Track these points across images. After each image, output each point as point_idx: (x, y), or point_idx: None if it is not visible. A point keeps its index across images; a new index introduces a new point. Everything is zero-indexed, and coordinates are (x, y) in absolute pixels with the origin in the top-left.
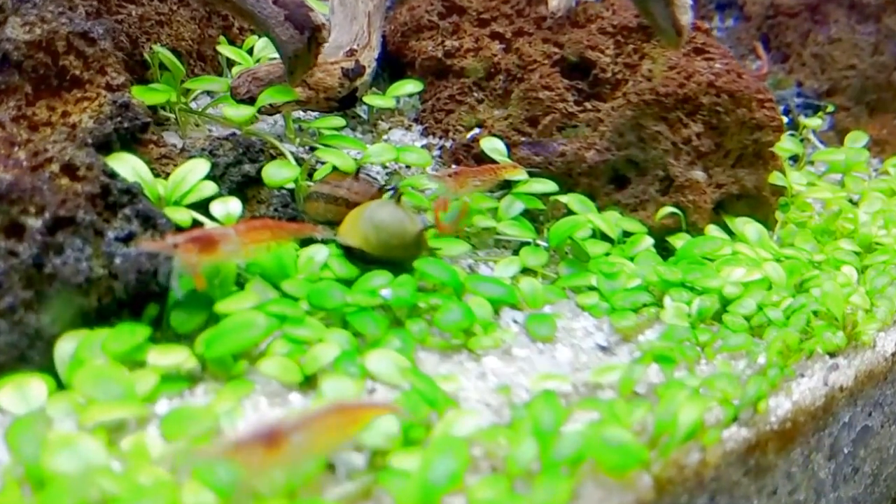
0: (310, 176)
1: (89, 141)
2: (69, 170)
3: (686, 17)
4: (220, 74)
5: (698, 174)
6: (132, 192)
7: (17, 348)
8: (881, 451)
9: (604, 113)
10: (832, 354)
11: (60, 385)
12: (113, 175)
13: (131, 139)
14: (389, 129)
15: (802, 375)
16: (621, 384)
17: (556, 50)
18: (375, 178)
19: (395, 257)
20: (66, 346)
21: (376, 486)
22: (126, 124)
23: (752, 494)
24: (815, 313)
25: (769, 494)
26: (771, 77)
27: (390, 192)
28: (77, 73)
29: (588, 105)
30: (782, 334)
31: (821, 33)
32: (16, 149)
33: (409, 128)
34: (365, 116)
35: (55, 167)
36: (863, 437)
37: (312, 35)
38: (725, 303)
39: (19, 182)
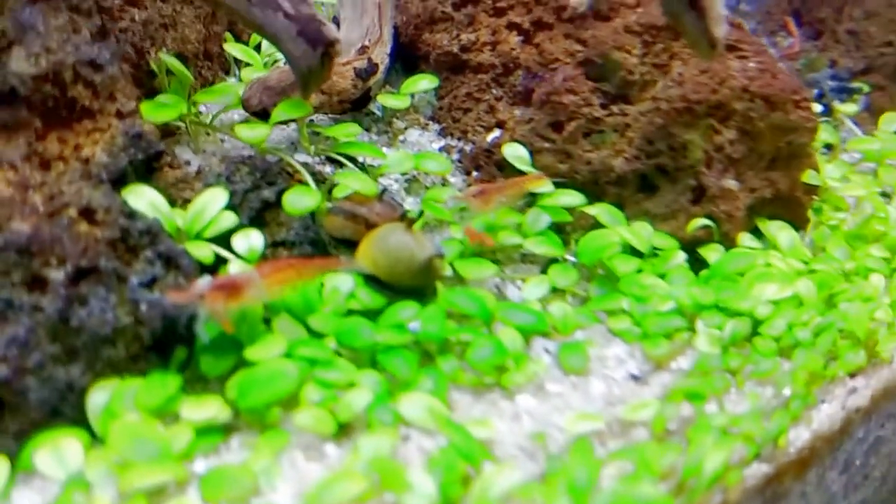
0: (329, 192)
1: (104, 177)
2: (87, 213)
3: (720, 30)
4: (228, 72)
5: (731, 183)
6: (152, 233)
7: (48, 404)
8: (891, 455)
9: (631, 118)
10: (852, 375)
11: (94, 435)
12: (131, 215)
13: (146, 169)
14: (405, 128)
15: (823, 401)
16: (654, 423)
17: (579, 48)
18: (400, 203)
19: (404, 284)
20: (97, 398)
21: None
22: (140, 155)
23: None
24: (841, 331)
25: None
26: (803, 56)
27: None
28: (86, 103)
29: (615, 108)
30: (808, 361)
31: (856, 7)
32: (30, 192)
33: (425, 127)
34: (379, 114)
35: (73, 212)
36: (875, 447)
37: (326, 51)
38: (757, 323)
39: (38, 233)
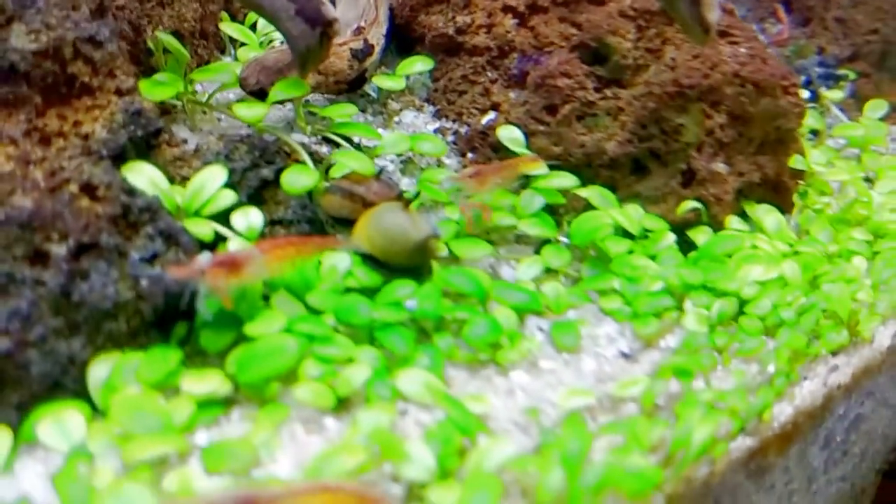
0: (326, 171)
1: (104, 153)
2: (88, 189)
3: (713, 15)
4: (223, 51)
5: (720, 166)
6: (152, 209)
7: (50, 377)
8: (870, 432)
9: (624, 101)
10: (834, 353)
11: (95, 408)
12: (132, 192)
13: (145, 146)
14: (400, 110)
15: (805, 378)
16: (643, 398)
17: (574, 31)
18: (396, 183)
19: (400, 263)
20: (98, 372)
21: None
22: (139, 132)
23: (752, 492)
24: (824, 311)
25: (767, 489)
26: (792, 43)
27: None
28: (86, 79)
29: (608, 92)
30: (791, 339)
31: None
32: (31, 168)
33: (420, 108)
34: (375, 95)
35: (74, 188)
36: (855, 424)
37: (324, 30)
38: (743, 303)
39: (40, 209)
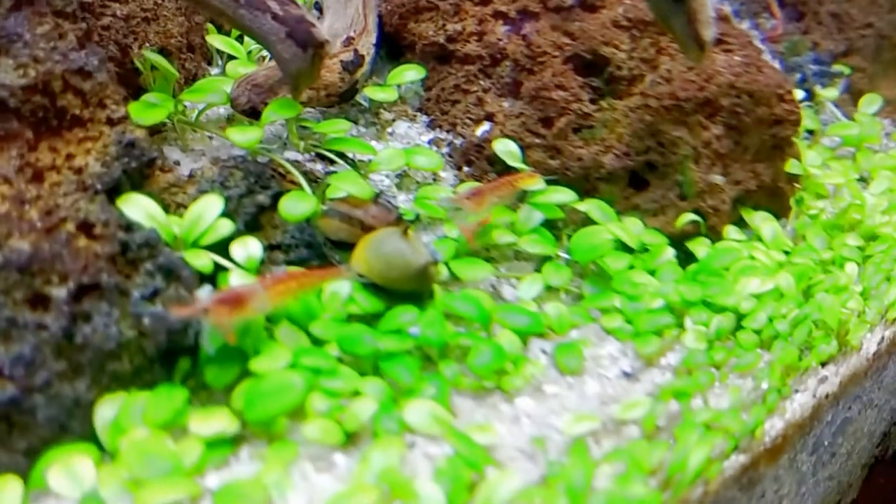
0: (323, 192)
1: (99, 187)
2: (85, 228)
3: (709, 32)
4: (210, 62)
5: (717, 178)
6: (151, 244)
7: (57, 421)
8: (856, 432)
9: (620, 113)
10: (823, 364)
11: (102, 449)
12: (129, 227)
13: (139, 175)
14: (393, 120)
15: (797, 391)
16: (644, 422)
17: (567, 41)
18: (395, 206)
19: (400, 289)
20: (104, 413)
21: None
22: (133, 163)
23: (744, 503)
24: (815, 322)
25: (759, 498)
26: (786, 40)
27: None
28: (77, 111)
29: (604, 104)
30: (785, 354)
31: None
32: (27, 207)
33: (413, 118)
34: (366, 105)
35: (71, 227)
36: (842, 427)
37: (316, 52)
38: (740, 317)
39: (39, 251)
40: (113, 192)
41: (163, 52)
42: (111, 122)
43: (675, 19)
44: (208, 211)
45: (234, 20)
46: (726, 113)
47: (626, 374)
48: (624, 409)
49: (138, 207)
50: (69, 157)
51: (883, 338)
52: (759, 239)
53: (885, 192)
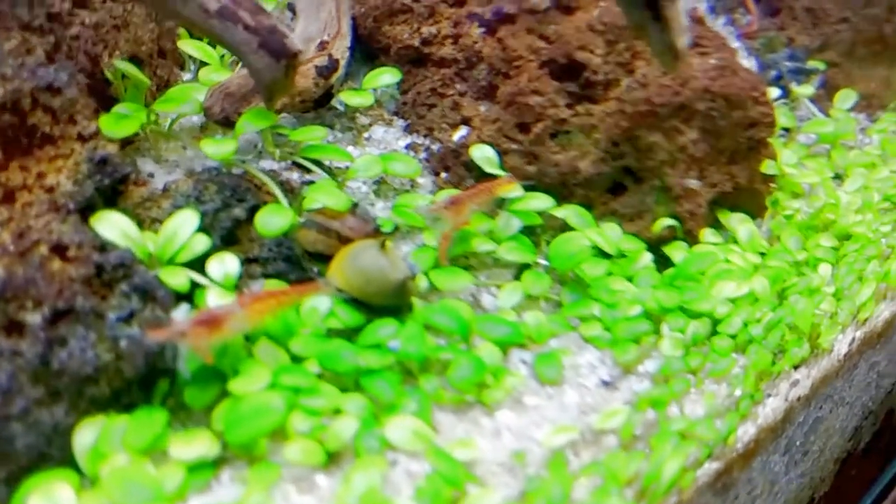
0: (300, 203)
1: (71, 206)
2: (59, 250)
3: (683, 40)
4: (183, 67)
5: (693, 183)
6: (126, 265)
7: (36, 448)
8: (829, 430)
9: (597, 118)
10: (796, 367)
11: (82, 474)
12: (103, 248)
13: (112, 192)
14: (370, 124)
15: (769, 396)
16: (622, 431)
17: (543, 45)
18: (373, 217)
19: (378, 304)
20: (84, 438)
21: None
22: (106, 180)
23: None
24: (789, 326)
25: (732, 501)
26: (762, 36)
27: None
28: (47, 129)
29: (580, 108)
30: (759, 359)
31: None
32: None
33: (390, 123)
34: (342, 108)
35: (44, 249)
36: (814, 427)
37: (289, 62)
38: (716, 322)
39: (12, 276)
40: (86, 211)
41: (134, 59)
42: (82, 139)
43: (649, 28)
44: (183, 227)
45: (205, 31)
46: (701, 117)
47: (605, 383)
48: (602, 419)
49: (112, 226)
50: (40, 175)
51: (854, 338)
52: (736, 241)
53: (858, 190)
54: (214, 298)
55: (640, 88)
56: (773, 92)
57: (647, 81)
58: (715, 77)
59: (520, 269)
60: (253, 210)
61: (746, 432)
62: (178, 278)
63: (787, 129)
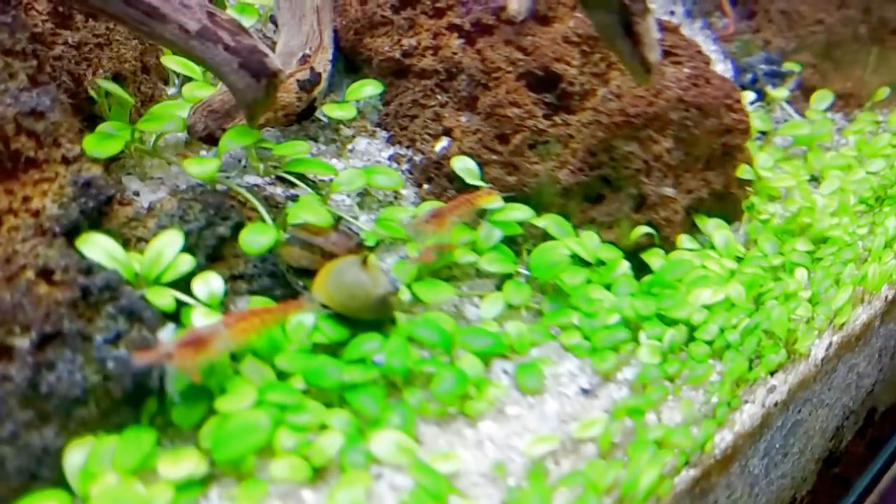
0: (284, 219)
1: (57, 230)
2: (45, 274)
3: (654, 55)
4: (167, 83)
5: (668, 190)
6: (112, 286)
7: (26, 471)
8: (808, 431)
9: (574, 128)
10: (772, 373)
11: (73, 494)
12: (89, 270)
13: (97, 214)
14: (353, 136)
15: (746, 402)
16: (601, 440)
17: (520, 56)
18: (356, 233)
19: (361, 318)
20: (74, 459)
21: None
22: (91, 203)
23: None
24: (765, 332)
25: None
26: (738, 40)
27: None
28: (31, 153)
29: (557, 119)
30: (735, 365)
31: None
32: None
33: (373, 134)
34: (325, 120)
35: (30, 274)
36: (793, 429)
37: (270, 82)
38: (692, 329)
39: (0, 302)
40: (71, 233)
41: (117, 77)
42: (66, 161)
43: (620, 43)
44: (168, 248)
45: (186, 52)
46: (676, 126)
47: (585, 391)
48: (581, 428)
49: (98, 248)
50: (26, 199)
51: (831, 343)
52: (712, 247)
53: (835, 193)
54: (200, 318)
55: (616, 99)
56: (749, 95)
57: (621, 92)
58: (687, 87)
59: (501, 280)
60: (237, 227)
61: (724, 439)
62: (164, 298)
63: (763, 133)
